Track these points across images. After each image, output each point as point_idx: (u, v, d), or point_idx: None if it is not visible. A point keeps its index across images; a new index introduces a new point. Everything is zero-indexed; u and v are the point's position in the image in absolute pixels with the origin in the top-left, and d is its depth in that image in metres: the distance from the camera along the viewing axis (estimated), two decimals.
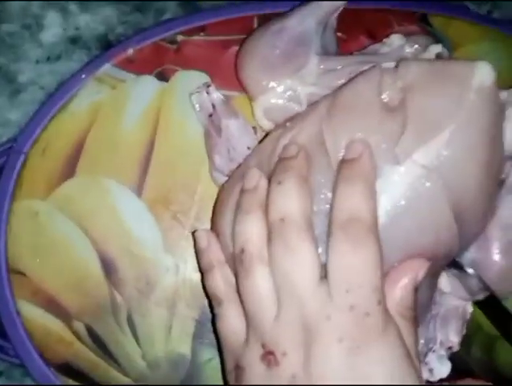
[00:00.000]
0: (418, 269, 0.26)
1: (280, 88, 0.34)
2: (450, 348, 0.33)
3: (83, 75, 0.37)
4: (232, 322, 0.28)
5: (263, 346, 0.25)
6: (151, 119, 0.37)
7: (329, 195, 0.27)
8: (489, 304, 0.32)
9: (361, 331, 0.24)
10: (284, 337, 0.25)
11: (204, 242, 0.31)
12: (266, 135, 0.34)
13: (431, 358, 0.32)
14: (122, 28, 0.40)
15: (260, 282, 0.26)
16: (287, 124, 0.32)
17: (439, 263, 0.29)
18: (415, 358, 0.25)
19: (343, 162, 0.27)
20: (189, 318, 0.35)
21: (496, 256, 0.31)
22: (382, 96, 0.28)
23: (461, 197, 0.27)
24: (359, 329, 0.24)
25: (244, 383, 0.26)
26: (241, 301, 0.27)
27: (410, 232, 0.27)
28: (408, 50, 0.34)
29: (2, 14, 0.39)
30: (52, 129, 0.36)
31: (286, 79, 0.33)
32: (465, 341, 0.37)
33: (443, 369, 0.32)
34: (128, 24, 0.40)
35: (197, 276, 0.35)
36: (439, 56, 0.33)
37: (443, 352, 0.32)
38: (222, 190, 0.33)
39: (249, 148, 0.35)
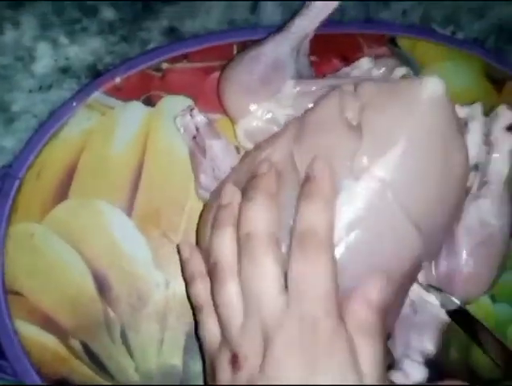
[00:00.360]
0: (377, 285, 0.28)
1: (259, 111, 0.36)
2: (426, 355, 0.34)
3: (74, 103, 0.39)
4: (211, 327, 0.30)
5: (230, 350, 0.27)
6: (140, 142, 0.39)
7: None
8: (458, 314, 0.34)
9: (309, 341, 0.25)
10: (247, 342, 0.27)
11: (186, 254, 0.33)
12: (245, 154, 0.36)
13: (407, 363, 0.33)
14: (110, 58, 0.42)
15: (229, 293, 0.28)
16: (263, 144, 0.34)
17: (408, 274, 0.30)
18: (374, 373, 0.26)
19: (305, 180, 0.29)
20: (180, 332, 0.37)
21: (463, 263, 0.33)
22: (345, 116, 0.30)
23: (420, 207, 0.29)
24: (307, 338, 0.25)
25: (216, 384, 0.28)
26: (215, 310, 0.29)
27: (371, 244, 0.28)
28: (376, 72, 0.36)
29: None
30: (45, 154, 0.38)
31: (264, 102, 0.36)
32: (443, 343, 0.38)
33: (417, 375, 0.33)
34: (115, 54, 0.42)
35: (186, 290, 0.37)
36: (404, 78, 0.35)
37: (418, 358, 0.34)
38: (204, 206, 0.35)
39: (232, 167, 0.37)
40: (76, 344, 0.36)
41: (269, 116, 0.36)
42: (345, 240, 0.28)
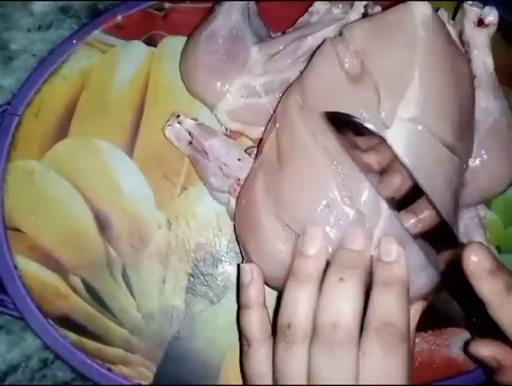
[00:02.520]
0: None
1: (234, 89, 0.34)
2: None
3: (74, 41, 0.38)
4: (258, 366, 0.28)
5: None
6: (141, 82, 0.38)
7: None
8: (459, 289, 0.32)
9: None
10: None
11: (247, 277, 0.30)
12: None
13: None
14: None
15: (296, 364, 0.26)
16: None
17: (458, 194, 0.30)
18: None
19: (380, 263, 0.27)
20: (182, 272, 0.36)
21: (478, 154, 0.33)
22: (346, 69, 0.29)
23: (450, 126, 0.29)
24: None
25: None
26: (274, 365, 0.27)
27: (424, 178, 0.27)
28: (336, 11, 0.35)
29: None
30: (45, 92, 0.37)
31: (236, 78, 0.34)
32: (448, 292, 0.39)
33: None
34: None
35: (188, 232, 0.37)
36: (366, 9, 0.34)
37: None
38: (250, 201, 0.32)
39: (239, 159, 0.35)
40: (76, 281, 0.35)
41: (246, 90, 0.34)
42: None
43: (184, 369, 0.35)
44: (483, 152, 0.33)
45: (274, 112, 0.33)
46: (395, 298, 0.26)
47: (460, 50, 0.32)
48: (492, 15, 0.34)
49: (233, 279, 0.36)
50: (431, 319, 0.38)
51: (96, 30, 0.38)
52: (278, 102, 0.33)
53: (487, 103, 0.34)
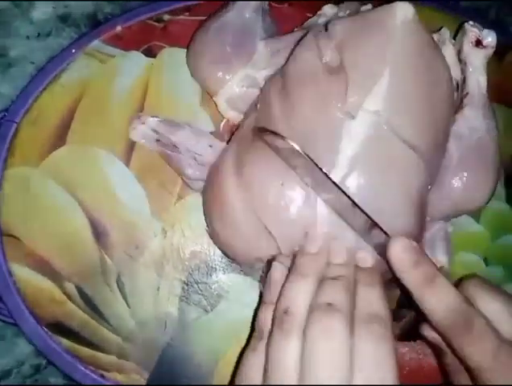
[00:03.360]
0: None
1: (237, 78, 0.35)
2: (441, 268, 0.35)
3: (73, 50, 0.38)
4: (259, 362, 0.27)
5: None
6: (139, 92, 0.38)
7: None
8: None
9: None
10: None
11: (277, 275, 0.30)
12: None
13: None
14: (110, 8, 0.42)
15: (290, 351, 0.26)
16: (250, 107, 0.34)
17: (419, 201, 0.31)
18: None
19: (360, 270, 0.29)
20: (176, 280, 0.37)
21: (458, 169, 0.34)
22: (323, 59, 0.31)
23: (415, 129, 0.30)
24: None
25: None
26: (267, 357, 0.27)
27: (378, 180, 0.29)
28: (342, 15, 0.36)
29: None
30: (43, 100, 0.37)
31: (240, 68, 0.35)
32: None
33: None
34: (116, 4, 0.42)
35: (183, 240, 0.37)
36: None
37: None
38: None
39: (210, 146, 0.36)
40: (71, 288, 0.36)
41: (248, 80, 0.35)
42: (352, 179, 0.28)
43: (177, 376, 0.36)
44: (463, 167, 0.34)
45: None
46: (376, 292, 0.28)
47: (440, 56, 0.33)
48: (490, 37, 0.36)
49: (227, 288, 0.37)
50: (419, 329, 0.39)
51: (95, 39, 0.39)
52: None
53: (475, 121, 0.35)
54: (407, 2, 0.31)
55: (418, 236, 0.32)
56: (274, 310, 0.28)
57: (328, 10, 0.38)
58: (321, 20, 0.38)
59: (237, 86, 0.36)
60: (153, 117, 0.36)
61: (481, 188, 0.35)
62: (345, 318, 0.26)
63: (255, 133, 0.31)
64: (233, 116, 0.37)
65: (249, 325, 0.36)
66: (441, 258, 0.35)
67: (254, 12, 0.36)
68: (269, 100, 0.32)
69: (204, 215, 0.35)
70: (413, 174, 0.30)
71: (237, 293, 0.37)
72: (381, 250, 0.29)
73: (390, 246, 0.27)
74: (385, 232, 0.28)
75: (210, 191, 0.34)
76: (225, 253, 0.35)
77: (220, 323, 0.36)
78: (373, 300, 0.27)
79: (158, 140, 0.36)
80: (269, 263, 0.32)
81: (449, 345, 0.28)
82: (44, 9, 0.41)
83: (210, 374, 0.36)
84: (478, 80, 0.36)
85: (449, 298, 0.26)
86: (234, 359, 0.35)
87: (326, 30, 0.32)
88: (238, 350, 0.35)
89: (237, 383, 0.28)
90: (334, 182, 0.28)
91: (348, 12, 0.37)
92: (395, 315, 0.38)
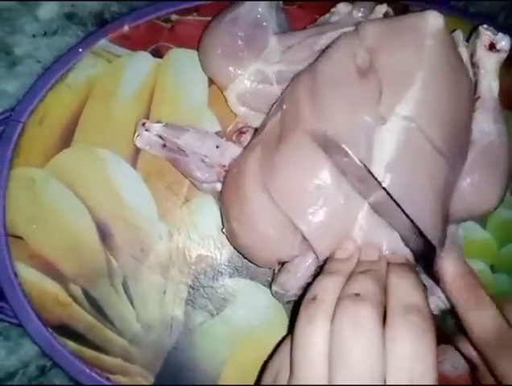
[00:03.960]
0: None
1: (248, 73, 0.35)
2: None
3: (80, 49, 0.38)
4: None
5: None
6: (146, 93, 0.38)
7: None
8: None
9: None
10: None
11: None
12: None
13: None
14: (117, 7, 0.41)
15: (317, 338, 0.25)
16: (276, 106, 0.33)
17: (446, 200, 0.31)
18: None
19: (392, 265, 0.28)
20: (182, 283, 0.37)
21: (468, 172, 0.34)
22: (356, 62, 0.31)
23: (443, 133, 0.30)
24: None
25: None
26: (292, 346, 0.25)
27: (411, 180, 0.29)
28: (356, 14, 0.36)
29: None
30: (50, 100, 0.37)
31: (251, 63, 0.35)
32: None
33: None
34: (122, 3, 0.41)
35: (189, 243, 0.37)
36: (386, 15, 0.36)
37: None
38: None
39: (217, 146, 0.36)
40: (76, 290, 0.35)
41: (258, 75, 0.35)
42: (387, 180, 0.29)
43: (182, 380, 0.36)
44: (473, 171, 0.34)
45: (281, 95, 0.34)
46: (412, 281, 0.26)
47: (464, 67, 0.33)
48: (504, 42, 0.36)
49: (233, 292, 0.37)
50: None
51: (102, 39, 0.38)
52: (287, 86, 0.34)
53: (486, 124, 0.35)
54: (436, 11, 0.31)
55: (443, 234, 0.32)
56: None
57: (342, 7, 0.38)
58: (334, 18, 0.37)
59: (248, 81, 0.35)
60: (157, 122, 0.36)
61: (490, 192, 0.35)
62: (375, 308, 0.24)
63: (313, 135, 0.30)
64: (243, 111, 0.36)
65: (255, 329, 0.36)
66: None
67: (268, 7, 0.36)
68: (297, 101, 0.32)
69: (222, 215, 0.35)
70: (441, 176, 0.30)
71: (244, 298, 0.37)
72: (420, 255, 0.29)
73: (441, 260, 0.28)
74: (427, 239, 0.29)
75: (231, 193, 0.33)
76: (242, 255, 0.34)
77: (226, 328, 0.36)
78: (408, 290, 0.26)
79: (164, 145, 0.36)
80: (281, 265, 0.32)
81: (485, 362, 0.28)
82: (50, 7, 0.40)
83: (215, 378, 0.36)
84: (490, 84, 0.36)
85: (492, 319, 0.27)
86: (239, 364, 0.35)
87: (355, 30, 0.32)
88: (244, 354, 0.35)
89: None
90: (384, 188, 0.29)
91: (362, 10, 0.36)
92: None
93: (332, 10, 0.38)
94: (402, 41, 0.31)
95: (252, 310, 0.37)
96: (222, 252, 0.37)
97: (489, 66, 0.36)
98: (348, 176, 0.30)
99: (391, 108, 0.29)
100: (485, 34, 0.36)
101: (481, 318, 0.27)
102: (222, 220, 0.35)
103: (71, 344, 0.35)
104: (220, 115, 0.38)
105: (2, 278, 0.35)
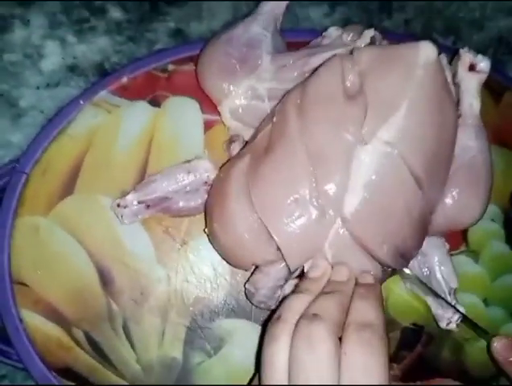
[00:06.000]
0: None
1: (241, 90, 0.37)
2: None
3: (81, 101, 0.40)
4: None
5: None
6: (144, 141, 0.40)
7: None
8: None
9: None
10: None
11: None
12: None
13: (449, 311, 0.38)
14: (117, 57, 0.43)
15: (277, 356, 0.27)
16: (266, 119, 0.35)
17: (419, 225, 0.33)
18: None
19: (359, 286, 0.30)
20: (180, 325, 0.38)
21: (450, 187, 0.35)
22: (346, 84, 0.32)
23: (422, 161, 0.31)
24: None
25: None
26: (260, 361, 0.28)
27: (385, 200, 0.31)
28: (346, 38, 0.38)
29: (4, 44, 0.42)
30: (52, 150, 0.39)
31: (244, 80, 0.37)
32: (436, 344, 0.40)
33: (461, 310, 0.38)
34: (122, 54, 0.43)
35: (187, 286, 0.38)
36: (373, 39, 0.37)
37: (454, 301, 0.38)
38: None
39: (189, 172, 0.37)
40: (79, 334, 0.37)
41: (251, 92, 0.37)
42: (362, 200, 0.30)
43: None
44: (454, 184, 0.35)
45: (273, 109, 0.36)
46: (371, 302, 0.29)
47: (452, 99, 0.34)
48: (483, 63, 0.37)
49: (230, 332, 0.38)
50: (420, 370, 0.40)
51: (102, 90, 0.40)
52: (279, 102, 0.35)
53: (467, 141, 0.36)
54: (431, 43, 0.32)
55: (415, 251, 0.34)
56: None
57: (333, 31, 0.39)
58: (325, 41, 0.39)
59: (241, 97, 0.37)
60: (129, 193, 0.37)
61: (472, 206, 0.36)
62: (330, 327, 0.27)
63: None
64: (236, 126, 0.38)
65: (252, 368, 0.37)
66: (453, 284, 0.38)
67: (263, 28, 0.38)
68: (286, 115, 0.33)
69: (206, 219, 0.36)
70: (416, 206, 0.32)
71: (240, 338, 0.38)
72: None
73: (493, 344, 0.34)
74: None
75: (215, 195, 0.35)
76: (223, 257, 0.36)
77: (224, 367, 0.37)
78: (366, 310, 0.28)
79: (147, 206, 0.37)
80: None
81: None
82: (54, 60, 0.42)
83: None
84: (471, 103, 0.37)
85: None
86: None
87: (351, 53, 0.34)
88: None
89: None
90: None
91: (351, 35, 0.38)
92: (396, 357, 0.39)
93: (324, 33, 0.40)
94: (393, 68, 0.32)
95: (249, 350, 0.37)
96: (218, 293, 0.38)
97: (469, 86, 0.37)
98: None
99: (373, 131, 0.31)
100: (466, 56, 0.38)
101: None
102: (206, 224, 0.36)
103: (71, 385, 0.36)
104: (216, 161, 0.38)
105: (8, 324, 0.36)
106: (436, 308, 0.39)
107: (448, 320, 0.38)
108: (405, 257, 0.33)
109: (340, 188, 0.30)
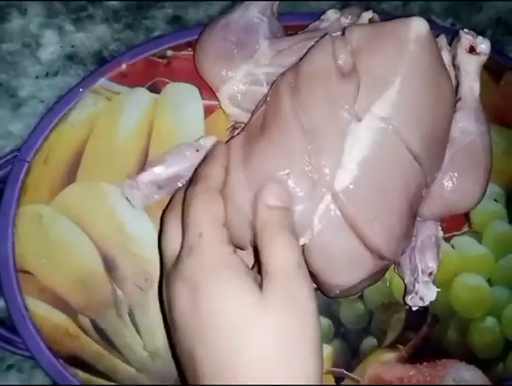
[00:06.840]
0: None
1: (239, 75, 0.37)
2: (431, 274, 0.37)
3: (80, 89, 0.40)
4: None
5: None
6: (145, 127, 0.40)
7: None
8: None
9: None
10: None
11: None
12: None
13: (419, 287, 0.36)
14: (115, 45, 0.43)
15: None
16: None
17: (415, 202, 0.33)
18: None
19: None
20: None
21: (448, 169, 0.35)
22: (338, 61, 0.32)
23: (419, 137, 0.31)
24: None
25: None
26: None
27: (382, 179, 0.30)
28: (344, 20, 0.38)
29: (2, 34, 0.42)
30: (53, 139, 0.39)
31: (242, 65, 0.37)
32: (442, 325, 0.40)
33: (430, 294, 0.36)
34: (120, 41, 0.43)
35: None
36: (371, 21, 0.37)
37: (426, 279, 0.36)
38: None
39: (197, 150, 0.37)
40: (85, 321, 0.37)
41: (249, 77, 0.37)
42: (358, 178, 0.30)
43: None
44: (453, 167, 0.35)
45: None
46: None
47: (447, 74, 0.34)
48: (484, 44, 0.37)
49: None
50: (426, 351, 0.40)
51: (101, 78, 0.40)
52: (273, 82, 0.35)
53: (467, 124, 0.36)
54: (422, 18, 0.32)
55: (408, 237, 0.34)
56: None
57: (331, 14, 0.39)
58: (323, 25, 0.39)
59: (239, 83, 0.37)
60: (138, 174, 0.37)
61: (471, 189, 0.36)
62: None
63: None
64: (235, 112, 0.38)
65: None
66: (431, 264, 0.36)
67: (260, 13, 0.38)
68: (279, 95, 0.33)
69: None
70: (414, 181, 0.31)
71: None
72: None
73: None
74: None
75: None
76: None
77: None
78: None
79: (159, 187, 0.37)
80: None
81: None
82: (52, 49, 0.42)
83: None
84: (471, 86, 0.37)
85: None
86: None
87: (343, 34, 0.34)
88: None
89: None
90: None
91: (349, 17, 0.38)
92: (402, 338, 0.40)
93: (322, 16, 0.40)
94: (385, 44, 0.32)
95: None
96: None
97: (469, 68, 0.37)
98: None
99: (367, 107, 0.30)
100: (465, 37, 0.37)
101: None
102: None
103: (81, 374, 0.36)
104: None
105: (14, 313, 0.36)
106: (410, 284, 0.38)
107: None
108: (399, 243, 0.32)
109: (333, 163, 0.30)
